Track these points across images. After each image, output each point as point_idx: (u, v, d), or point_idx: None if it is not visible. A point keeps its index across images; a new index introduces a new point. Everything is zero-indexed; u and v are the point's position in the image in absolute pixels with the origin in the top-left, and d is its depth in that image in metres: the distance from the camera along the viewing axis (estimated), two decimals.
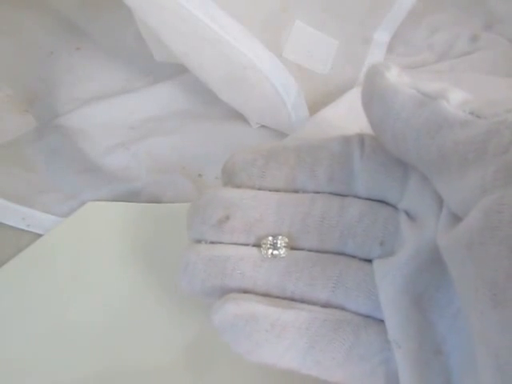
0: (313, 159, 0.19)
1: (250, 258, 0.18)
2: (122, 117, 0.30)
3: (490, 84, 0.29)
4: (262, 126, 0.29)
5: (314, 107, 0.28)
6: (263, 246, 0.19)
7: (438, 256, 0.15)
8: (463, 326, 0.15)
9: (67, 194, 0.27)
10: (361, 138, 0.19)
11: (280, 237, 0.19)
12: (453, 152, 0.15)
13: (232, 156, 0.20)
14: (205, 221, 0.19)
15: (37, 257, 0.25)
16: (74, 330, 0.23)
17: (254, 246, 0.19)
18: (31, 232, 0.25)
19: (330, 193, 0.19)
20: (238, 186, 0.20)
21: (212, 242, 0.19)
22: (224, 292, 0.18)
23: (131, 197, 0.27)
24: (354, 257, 0.19)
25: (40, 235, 0.25)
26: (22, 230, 0.25)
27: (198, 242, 0.19)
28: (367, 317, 0.18)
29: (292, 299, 0.18)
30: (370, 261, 0.18)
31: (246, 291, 0.18)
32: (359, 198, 0.19)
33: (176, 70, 0.30)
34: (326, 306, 0.18)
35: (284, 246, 0.18)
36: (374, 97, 0.17)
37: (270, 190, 0.20)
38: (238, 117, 0.29)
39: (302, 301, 0.18)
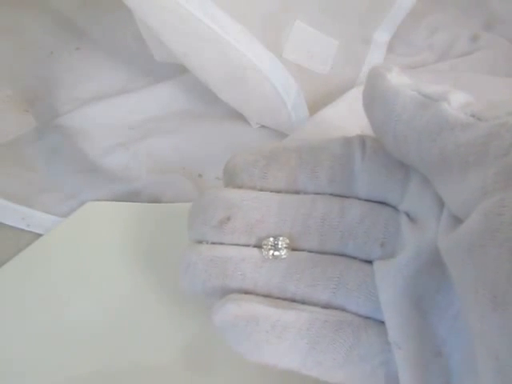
0: (314, 160, 0.19)
1: (251, 259, 0.18)
2: (122, 117, 0.30)
3: (489, 84, 0.29)
4: (262, 126, 0.29)
5: (314, 107, 0.28)
6: (264, 246, 0.19)
7: (439, 258, 0.15)
8: (463, 328, 0.15)
9: (67, 193, 0.27)
10: (362, 140, 0.19)
11: (281, 238, 0.19)
12: (454, 154, 0.15)
13: (233, 157, 0.20)
14: (206, 221, 0.19)
15: (37, 257, 0.25)
16: (74, 329, 0.23)
17: (255, 246, 0.19)
18: (31, 232, 0.25)
19: (331, 194, 0.19)
20: (239, 187, 0.20)
21: (213, 243, 0.19)
22: (225, 293, 0.18)
23: (131, 197, 0.27)
24: (354, 258, 0.19)
25: (40, 235, 0.25)
26: (22, 229, 0.26)
27: (199, 242, 0.19)
28: (368, 318, 0.18)
29: (293, 300, 0.18)
30: (370, 262, 0.18)
31: (246, 292, 0.18)
32: (360, 199, 0.19)
33: (176, 70, 0.30)
34: (326, 307, 0.18)
35: (285, 247, 0.18)
36: (376, 98, 0.17)
37: (271, 191, 0.20)
38: (238, 117, 0.29)
39: (303, 302, 0.18)
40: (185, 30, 0.23)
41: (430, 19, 0.33)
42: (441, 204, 0.16)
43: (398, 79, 0.17)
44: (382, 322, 0.17)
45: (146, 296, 0.24)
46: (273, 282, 0.18)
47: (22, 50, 0.33)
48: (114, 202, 0.26)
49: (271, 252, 0.18)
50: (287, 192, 0.20)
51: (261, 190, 0.20)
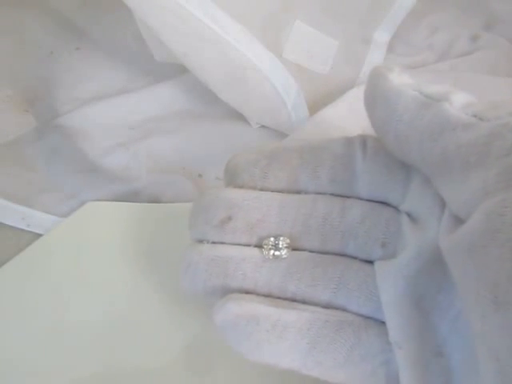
0: (315, 160, 0.19)
1: (252, 259, 0.18)
2: (122, 117, 0.30)
3: (490, 84, 0.29)
4: (262, 126, 0.29)
5: (314, 107, 0.28)
6: (265, 246, 0.19)
7: (440, 258, 0.15)
8: (464, 328, 0.15)
9: (67, 193, 0.27)
10: (363, 140, 0.19)
11: (282, 238, 0.19)
12: (455, 154, 0.15)
13: (234, 157, 0.20)
14: (207, 221, 0.19)
15: (37, 257, 0.25)
16: (74, 329, 0.23)
17: (255, 246, 0.19)
18: (31, 232, 0.25)
19: (332, 194, 0.19)
20: (240, 187, 0.20)
21: (214, 243, 0.19)
22: (225, 292, 0.18)
23: (131, 197, 0.27)
24: (355, 258, 0.19)
25: (40, 235, 0.25)
26: (22, 229, 0.25)
27: (200, 242, 0.19)
28: (368, 318, 0.18)
29: (293, 300, 0.18)
30: (371, 262, 0.18)
31: (247, 292, 0.18)
32: (361, 199, 0.19)
33: (176, 70, 0.30)
34: (327, 306, 0.18)
35: (286, 247, 0.18)
36: (377, 99, 0.17)
37: (272, 191, 0.20)
38: (238, 117, 0.29)
39: (304, 302, 0.18)
40: (185, 30, 0.23)
41: (430, 19, 0.33)
42: (442, 204, 0.16)
43: (399, 79, 0.17)
44: (383, 322, 0.17)
45: (146, 296, 0.24)
46: (273, 281, 0.18)
47: (22, 50, 0.33)
48: (114, 202, 0.26)
49: (272, 252, 0.18)
50: (288, 192, 0.20)
51: (262, 189, 0.20)
